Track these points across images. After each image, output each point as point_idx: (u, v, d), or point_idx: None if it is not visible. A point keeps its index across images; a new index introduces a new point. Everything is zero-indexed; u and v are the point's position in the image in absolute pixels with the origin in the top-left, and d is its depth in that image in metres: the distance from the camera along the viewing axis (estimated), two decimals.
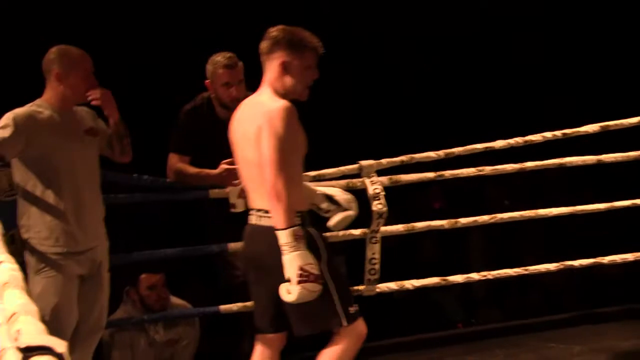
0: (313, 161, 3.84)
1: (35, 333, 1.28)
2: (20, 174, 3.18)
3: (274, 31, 2.85)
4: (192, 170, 3.65)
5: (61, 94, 3.20)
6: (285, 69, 2.82)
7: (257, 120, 2.75)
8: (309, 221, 2.85)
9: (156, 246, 3.75)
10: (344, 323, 2.82)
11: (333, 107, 6.53)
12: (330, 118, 6.41)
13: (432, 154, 3.89)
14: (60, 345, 1.27)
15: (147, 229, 5.30)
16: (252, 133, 2.76)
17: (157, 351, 3.86)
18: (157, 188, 3.73)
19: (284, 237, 2.67)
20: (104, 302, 3.29)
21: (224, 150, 3.16)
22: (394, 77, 7.10)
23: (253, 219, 2.86)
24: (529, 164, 4.02)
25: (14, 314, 1.37)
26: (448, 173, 3.96)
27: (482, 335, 4.39)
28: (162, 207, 5.39)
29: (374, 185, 3.75)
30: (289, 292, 2.67)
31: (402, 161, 3.85)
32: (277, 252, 2.69)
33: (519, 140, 3.97)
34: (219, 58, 3.62)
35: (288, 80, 2.83)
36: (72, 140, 3.20)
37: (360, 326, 2.88)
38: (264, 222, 2.79)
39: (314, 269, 2.67)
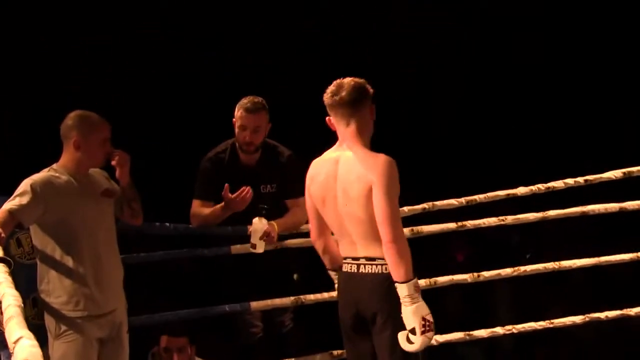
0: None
1: None
2: (39, 239, 3.19)
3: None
4: (207, 210, 3.69)
5: (78, 160, 3.22)
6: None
7: (365, 177, 2.82)
8: None
9: (177, 303, 3.73)
10: None
11: None
12: None
13: (454, 202, 3.88)
14: None
15: (169, 284, 5.28)
16: (359, 190, 2.83)
17: None
18: (190, 235, 3.80)
19: (406, 290, 2.76)
20: None
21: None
22: (417, 124, 7.09)
23: (352, 268, 2.91)
24: (551, 213, 3.98)
25: None
26: (470, 223, 3.93)
27: None
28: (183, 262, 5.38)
29: None
30: (412, 342, 2.78)
31: (424, 208, 3.85)
32: (382, 300, 2.82)
33: (540, 187, 3.95)
34: (245, 100, 3.70)
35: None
36: (89, 203, 3.22)
37: None
38: (369, 269, 2.86)
39: (431, 318, 2.77)
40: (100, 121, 3.25)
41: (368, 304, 2.87)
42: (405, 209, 3.80)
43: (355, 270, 2.90)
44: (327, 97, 2.92)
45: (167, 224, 3.67)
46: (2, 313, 2.79)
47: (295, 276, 3.83)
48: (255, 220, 3.58)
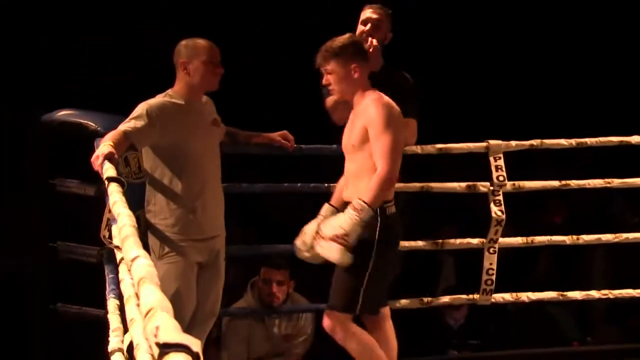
0: (441, 135, 3.81)
1: (172, 330, 1.31)
2: (150, 161, 3.26)
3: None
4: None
5: (189, 83, 3.27)
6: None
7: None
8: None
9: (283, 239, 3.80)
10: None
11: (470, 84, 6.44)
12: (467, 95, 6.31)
13: (563, 142, 3.81)
14: (195, 345, 1.29)
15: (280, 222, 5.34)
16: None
17: (274, 345, 3.90)
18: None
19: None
20: (219, 290, 3.35)
21: None
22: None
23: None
24: None
25: (150, 309, 1.40)
26: (574, 183, 3.84)
27: (598, 355, 4.24)
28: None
29: (498, 171, 3.70)
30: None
31: (532, 145, 3.79)
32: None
33: None
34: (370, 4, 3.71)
35: None
36: (200, 130, 3.27)
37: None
38: None
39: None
40: (206, 43, 3.28)
41: None
42: (513, 143, 3.76)
43: None
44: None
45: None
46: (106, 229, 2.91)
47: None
48: None
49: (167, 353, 1.27)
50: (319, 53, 3.17)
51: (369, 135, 3.06)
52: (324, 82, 3.21)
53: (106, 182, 2.70)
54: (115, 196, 2.51)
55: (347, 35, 3.22)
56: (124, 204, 2.42)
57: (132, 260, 1.80)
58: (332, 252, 2.97)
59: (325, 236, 2.99)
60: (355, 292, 3.06)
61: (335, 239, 2.96)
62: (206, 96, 3.37)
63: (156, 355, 1.28)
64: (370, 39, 3.59)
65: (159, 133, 3.19)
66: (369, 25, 3.64)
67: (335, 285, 3.12)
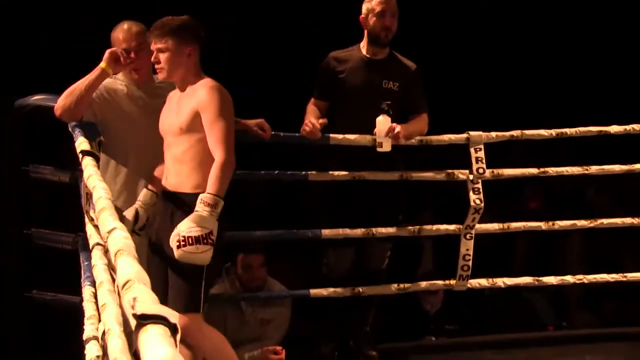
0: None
1: (150, 302, 1.30)
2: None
3: None
4: (312, 109, 3.67)
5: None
6: None
7: None
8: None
9: (258, 227, 3.78)
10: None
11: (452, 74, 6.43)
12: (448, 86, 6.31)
13: (543, 132, 3.82)
14: (173, 316, 1.28)
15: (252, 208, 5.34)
16: None
17: (249, 329, 3.89)
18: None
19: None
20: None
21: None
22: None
23: None
24: (638, 166, 3.88)
25: (128, 280, 1.39)
26: (552, 170, 3.86)
27: (573, 339, 4.27)
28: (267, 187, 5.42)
29: (478, 163, 3.70)
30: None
31: (512, 136, 3.80)
32: None
33: (635, 127, 3.83)
34: None
35: None
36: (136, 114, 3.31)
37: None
38: None
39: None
40: (117, 34, 3.32)
41: None
42: (493, 134, 3.77)
43: None
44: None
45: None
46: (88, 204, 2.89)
47: (400, 217, 3.80)
48: (379, 118, 3.55)
49: (144, 325, 1.26)
50: (153, 28, 3.03)
51: (200, 119, 2.95)
52: (152, 59, 3.05)
53: (80, 156, 2.69)
54: (89, 169, 2.51)
55: (186, 17, 3.07)
56: (99, 177, 2.41)
57: (109, 232, 1.79)
58: (202, 255, 2.81)
59: (187, 238, 2.80)
60: (198, 290, 2.94)
61: (201, 240, 2.80)
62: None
63: (134, 327, 1.27)
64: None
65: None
66: (387, 16, 3.62)
67: (179, 287, 2.94)
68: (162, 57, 3.02)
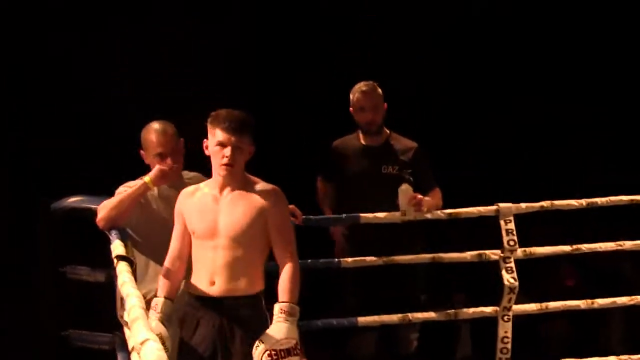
0: (450, 200, 3.83)
1: None
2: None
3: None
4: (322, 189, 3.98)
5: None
6: None
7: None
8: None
9: None
10: None
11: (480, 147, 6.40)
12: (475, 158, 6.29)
13: (573, 202, 3.82)
14: None
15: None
16: None
17: None
18: None
19: None
20: None
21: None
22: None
23: None
24: None
25: None
26: (585, 247, 3.83)
27: None
28: None
29: (509, 235, 3.70)
30: None
31: (542, 207, 3.80)
32: None
33: None
34: (358, 85, 3.87)
35: None
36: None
37: None
38: None
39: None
40: (157, 135, 3.27)
41: None
42: (523, 205, 3.77)
43: None
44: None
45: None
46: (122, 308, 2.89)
47: (422, 297, 3.78)
48: (402, 187, 3.64)
49: None
50: (236, 122, 2.82)
51: (264, 222, 2.85)
52: (228, 159, 2.82)
53: (115, 260, 2.71)
54: (124, 276, 2.52)
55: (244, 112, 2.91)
56: (132, 284, 2.42)
57: (141, 343, 1.79)
58: None
59: (279, 352, 2.71)
60: None
61: (292, 352, 2.74)
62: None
63: None
64: None
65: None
66: (368, 111, 3.80)
67: None
68: (240, 156, 2.85)
